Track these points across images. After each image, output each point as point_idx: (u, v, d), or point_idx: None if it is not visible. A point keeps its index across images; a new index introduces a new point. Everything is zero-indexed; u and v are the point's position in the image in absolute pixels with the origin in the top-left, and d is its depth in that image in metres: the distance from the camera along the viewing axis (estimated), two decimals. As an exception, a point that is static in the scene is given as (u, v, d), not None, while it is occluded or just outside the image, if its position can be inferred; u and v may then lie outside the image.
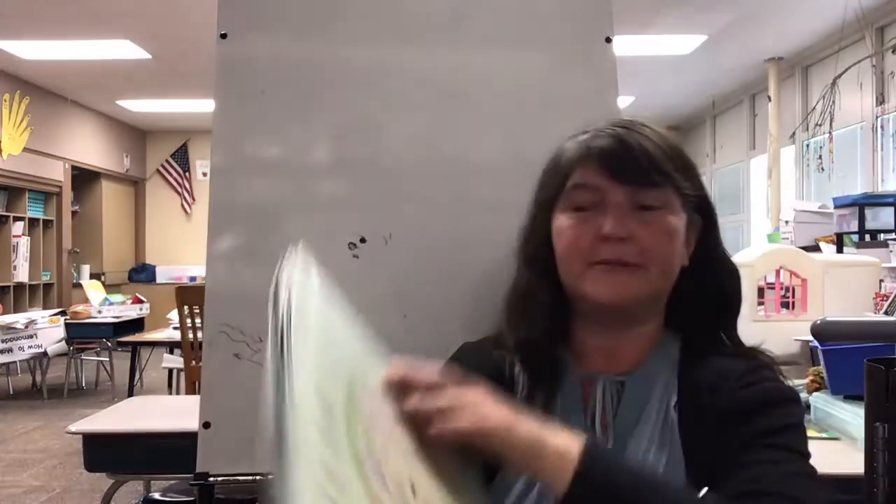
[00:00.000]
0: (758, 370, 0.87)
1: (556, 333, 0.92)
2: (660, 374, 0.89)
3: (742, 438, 0.81)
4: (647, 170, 0.84)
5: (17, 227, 8.02)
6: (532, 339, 0.91)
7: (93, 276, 9.02)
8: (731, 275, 0.92)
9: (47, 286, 8.60)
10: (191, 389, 3.91)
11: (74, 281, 8.84)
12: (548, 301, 0.91)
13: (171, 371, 5.11)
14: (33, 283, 8.27)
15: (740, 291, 0.93)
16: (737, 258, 2.51)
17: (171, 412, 2.46)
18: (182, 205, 10.91)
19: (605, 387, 0.89)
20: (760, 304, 2.25)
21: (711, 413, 0.84)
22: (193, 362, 3.88)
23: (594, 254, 0.85)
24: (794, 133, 7.03)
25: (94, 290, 6.47)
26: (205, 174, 10.58)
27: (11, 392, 6.51)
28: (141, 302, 6.63)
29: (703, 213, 0.91)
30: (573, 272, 0.87)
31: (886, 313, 2.22)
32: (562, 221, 0.88)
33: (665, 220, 0.85)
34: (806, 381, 1.88)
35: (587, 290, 0.86)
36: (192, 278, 9.85)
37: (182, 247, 10.70)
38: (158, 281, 10.28)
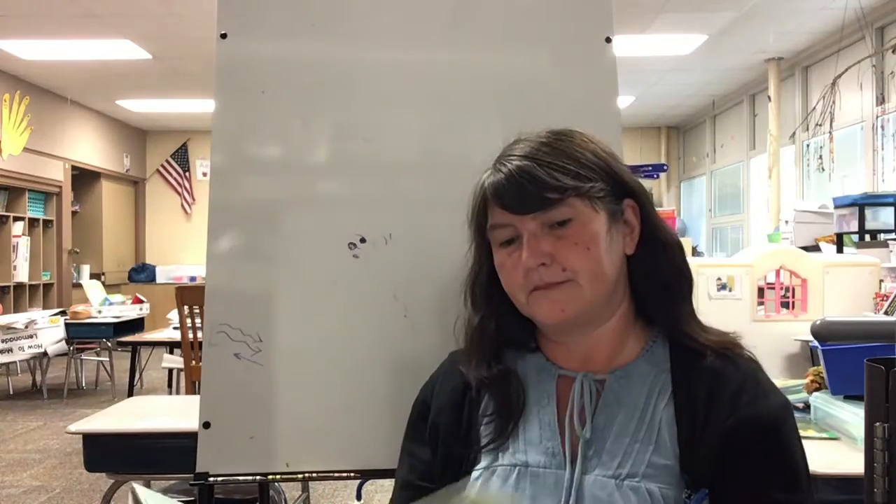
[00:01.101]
0: (754, 378, 0.90)
1: (512, 359, 0.97)
2: (647, 374, 0.91)
3: (753, 482, 0.84)
4: (536, 194, 0.87)
5: (17, 227, 8.02)
6: (481, 377, 0.95)
7: (93, 276, 9.03)
8: (674, 248, 0.94)
9: (47, 286, 8.60)
10: (191, 389, 3.91)
11: (74, 281, 8.84)
12: (494, 344, 0.96)
13: (171, 371, 5.11)
14: (33, 283, 8.27)
15: (686, 262, 0.95)
16: (737, 258, 2.52)
17: (171, 412, 2.46)
18: (182, 205, 10.91)
19: (584, 384, 0.91)
20: (760, 304, 2.25)
21: (713, 424, 0.86)
22: (193, 362, 3.88)
23: (527, 283, 0.90)
24: (794, 133, 7.03)
25: (94, 290, 6.47)
26: (205, 174, 10.59)
27: (11, 392, 6.51)
28: (141, 302, 6.63)
29: (633, 196, 0.93)
30: (520, 303, 0.92)
31: (886, 313, 2.22)
32: (498, 259, 0.93)
33: (577, 231, 0.88)
34: (806, 381, 1.88)
35: (535, 316, 0.92)
36: (192, 278, 9.86)
37: (182, 247, 10.70)
38: (158, 281, 10.28)
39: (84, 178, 9.57)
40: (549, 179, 0.87)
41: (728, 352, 0.92)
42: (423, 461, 0.98)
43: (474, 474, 0.91)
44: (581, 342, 0.93)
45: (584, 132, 0.94)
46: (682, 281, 0.94)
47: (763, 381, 0.90)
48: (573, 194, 0.87)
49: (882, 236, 4.54)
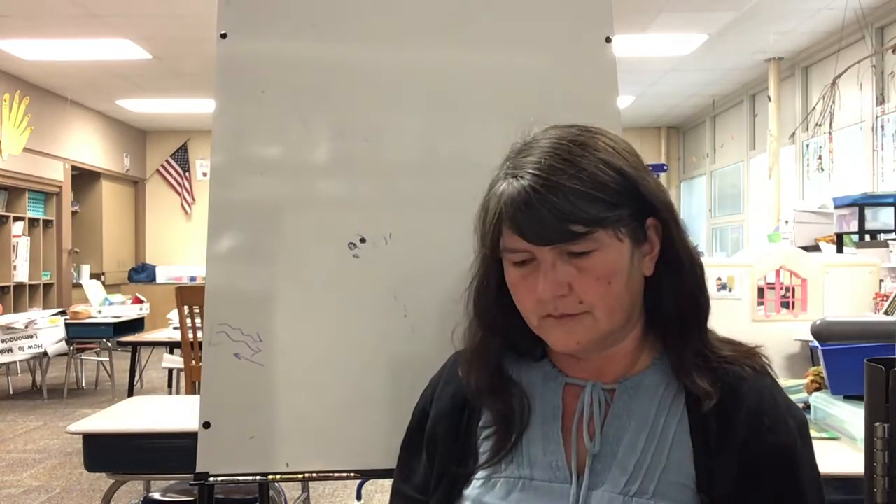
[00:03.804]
0: (772, 397, 0.87)
1: (517, 367, 0.94)
2: (658, 384, 0.88)
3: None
4: (558, 227, 0.80)
5: (17, 227, 8.02)
6: (481, 390, 0.92)
7: (93, 276, 9.02)
8: (691, 272, 0.88)
9: (47, 286, 8.60)
10: (191, 389, 3.91)
11: (74, 281, 8.84)
12: (497, 357, 0.92)
13: (171, 371, 5.11)
14: (33, 283, 8.27)
15: (703, 287, 0.89)
16: (737, 258, 2.52)
17: (171, 412, 2.46)
18: (182, 205, 10.91)
19: (594, 394, 0.88)
20: (760, 304, 2.25)
21: (730, 445, 0.84)
22: (193, 362, 3.88)
23: (541, 309, 0.85)
24: (794, 133, 7.03)
25: (94, 290, 6.47)
26: (205, 174, 10.59)
27: (11, 392, 6.51)
28: (141, 302, 6.63)
29: (657, 215, 0.86)
30: (532, 325, 0.87)
31: (886, 313, 2.22)
32: (510, 277, 0.87)
33: (598, 264, 0.82)
34: (806, 381, 1.88)
35: (546, 340, 0.87)
36: (192, 278, 9.86)
37: (182, 247, 10.70)
38: (158, 281, 10.29)
39: (84, 178, 9.57)
40: (573, 209, 0.79)
41: (741, 367, 0.87)
42: (417, 472, 0.96)
43: (475, 483, 0.88)
44: (594, 358, 0.90)
45: (606, 137, 0.87)
46: (694, 309, 0.88)
47: (781, 401, 0.87)
48: (598, 226, 0.80)
49: (882, 236, 4.54)
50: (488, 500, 0.87)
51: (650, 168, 0.92)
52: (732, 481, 0.82)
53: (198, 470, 1.22)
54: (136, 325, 6.24)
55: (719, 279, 2.22)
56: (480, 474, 0.89)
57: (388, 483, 1.04)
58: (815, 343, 1.77)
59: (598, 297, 0.83)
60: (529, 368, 0.93)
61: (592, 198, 0.80)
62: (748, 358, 0.89)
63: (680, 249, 0.87)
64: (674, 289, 0.87)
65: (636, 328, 0.90)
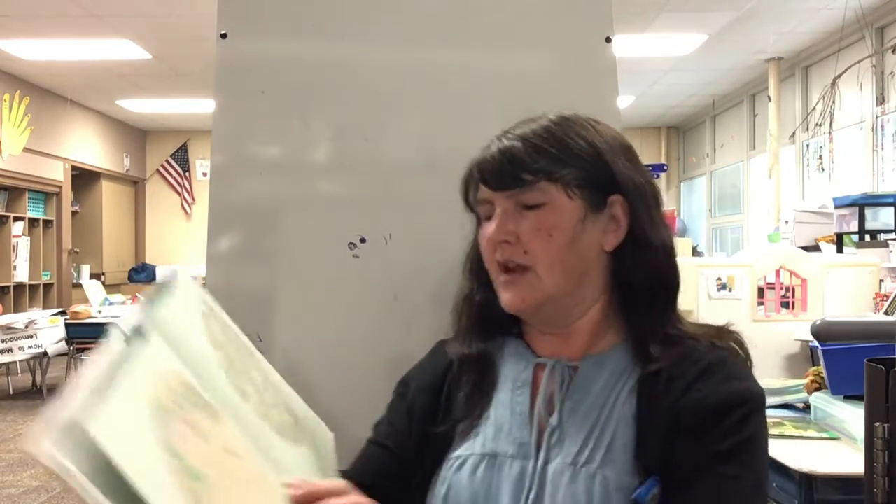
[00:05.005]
0: (721, 363, 0.86)
1: (495, 343, 0.96)
2: (620, 361, 0.89)
3: (697, 455, 0.81)
4: (512, 172, 0.87)
5: (17, 227, 8.03)
6: (466, 353, 0.96)
7: (93, 276, 9.03)
8: (658, 251, 0.90)
9: (47, 286, 8.61)
10: (191, 389, 3.91)
11: (74, 281, 8.84)
12: (478, 319, 0.96)
13: (171, 371, 5.11)
14: (33, 283, 8.28)
15: (671, 268, 0.91)
16: (737, 258, 2.52)
17: (171, 412, 2.46)
18: (182, 205, 10.92)
19: (557, 370, 0.91)
20: (760, 304, 2.25)
21: (664, 404, 0.84)
22: (193, 362, 3.88)
23: (493, 258, 0.90)
24: (794, 133, 7.04)
25: (94, 290, 6.47)
26: (205, 174, 10.59)
27: (11, 392, 6.51)
28: (141, 302, 6.62)
29: (622, 192, 0.89)
30: (493, 280, 0.92)
31: (886, 313, 2.22)
32: (480, 232, 0.93)
33: (544, 216, 0.87)
34: (806, 381, 1.88)
35: (502, 301, 0.91)
36: (192, 278, 9.86)
37: (182, 247, 10.71)
38: (158, 281, 10.28)
39: (84, 178, 9.58)
40: (527, 160, 0.87)
41: (699, 343, 0.88)
42: (399, 431, 0.98)
43: (447, 463, 0.91)
44: (560, 333, 0.92)
45: (596, 120, 0.93)
46: (661, 287, 0.91)
47: (731, 367, 0.86)
48: (545, 178, 0.87)
49: (882, 236, 4.55)
50: (456, 479, 0.88)
51: (651, 168, 0.93)
52: (662, 440, 0.82)
53: (198, 470, 1.21)
54: (137, 325, 6.23)
55: (719, 279, 2.22)
56: (454, 452, 0.91)
57: (388, 483, 1.04)
58: (815, 343, 1.77)
59: (540, 248, 0.87)
60: (505, 345, 0.97)
61: (546, 152, 0.87)
62: (717, 336, 0.90)
63: (648, 230, 0.90)
64: (639, 266, 0.90)
65: (599, 303, 0.92)
